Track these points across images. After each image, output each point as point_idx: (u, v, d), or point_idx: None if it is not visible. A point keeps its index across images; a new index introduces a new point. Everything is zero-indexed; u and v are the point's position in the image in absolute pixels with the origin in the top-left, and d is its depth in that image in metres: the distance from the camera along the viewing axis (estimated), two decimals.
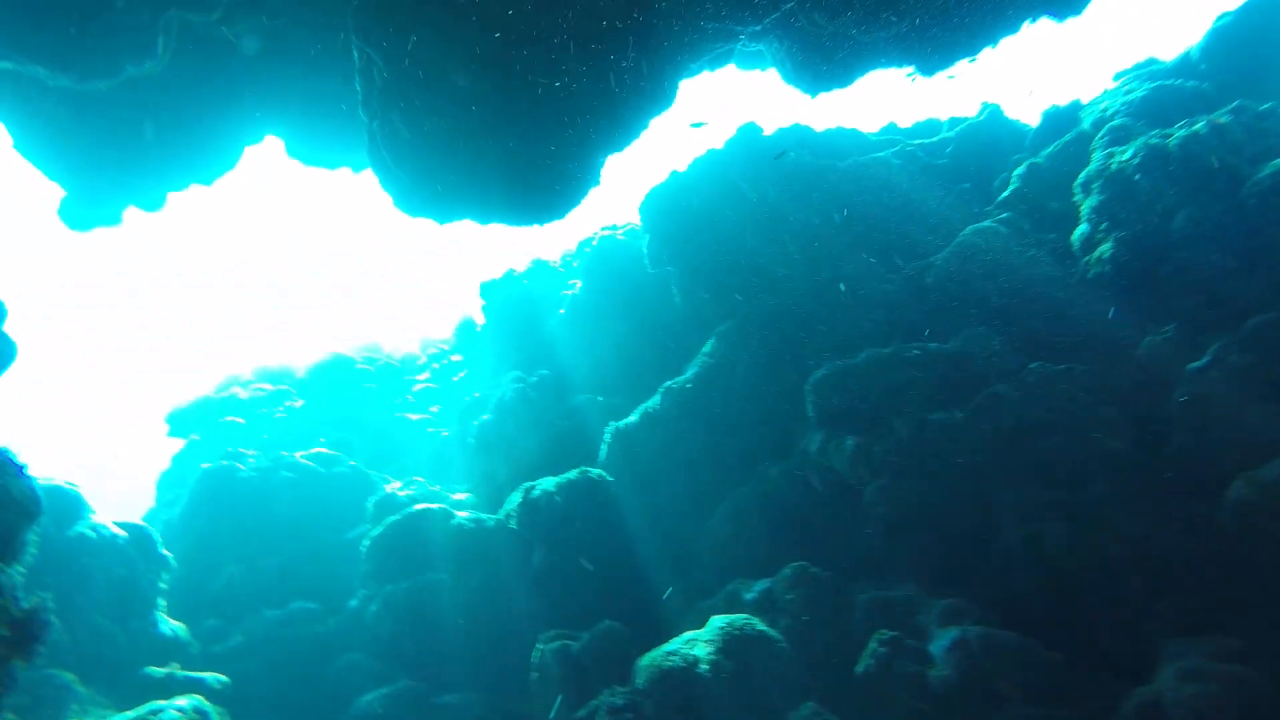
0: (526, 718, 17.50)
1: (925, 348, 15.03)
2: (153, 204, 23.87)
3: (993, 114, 20.06)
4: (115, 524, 18.29)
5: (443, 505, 20.53)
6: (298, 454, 25.40)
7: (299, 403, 33.29)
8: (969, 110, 21.98)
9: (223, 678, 17.55)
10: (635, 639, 15.80)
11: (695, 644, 13.56)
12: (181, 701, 15.39)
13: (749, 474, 17.30)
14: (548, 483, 18.37)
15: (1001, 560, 12.80)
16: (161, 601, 18.87)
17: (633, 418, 19.21)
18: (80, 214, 23.29)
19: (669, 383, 19.03)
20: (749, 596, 14.93)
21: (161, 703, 15.29)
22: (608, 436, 19.31)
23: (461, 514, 19.91)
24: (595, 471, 18.53)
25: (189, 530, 23.48)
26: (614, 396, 22.44)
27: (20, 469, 7.32)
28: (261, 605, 20.87)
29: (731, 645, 13.06)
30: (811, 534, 15.74)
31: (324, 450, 25.60)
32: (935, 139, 21.17)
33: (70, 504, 18.17)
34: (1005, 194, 17.07)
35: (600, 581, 17.71)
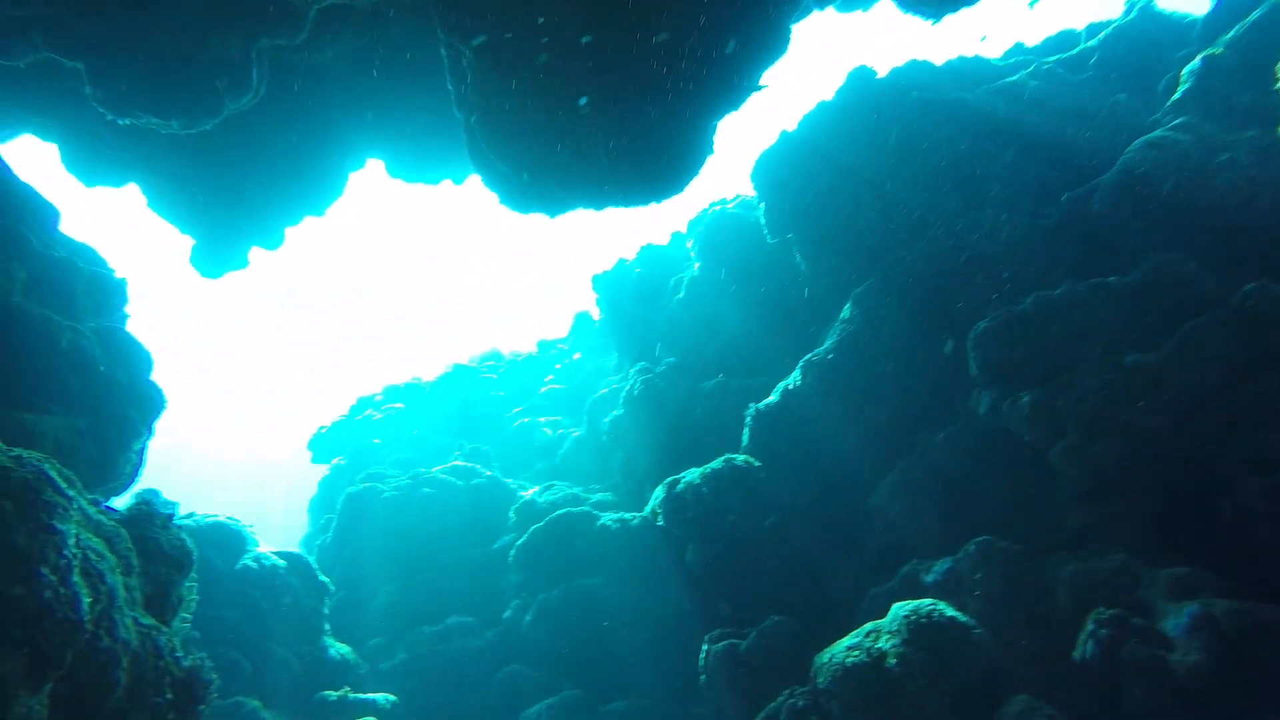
0: None
1: (1104, 283, 13.16)
2: (272, 242, 24.42)
3: (1144, 10, 17.63)
4: (275, 554, 18.63)
5: (585, 508, 19.97)
6: (436, 469, 25.52)
7: (429, 418, 33.73)
8: (1108, 13, 19.58)
9: (391, 697, 17.58)
10: (806, 634, 14.70)
11: (878, 636, 12.32)
12: None
13: (909, 445, 15.82)
14: (692, 474, 17.45)
15: (1236, 518, 10.94)
16: (326, 626, 19.13)
17: (773, 397, 18.01)
18: (210, 260, 24.09)
19: (808, 356, 17.71)
20: (930, 579, 13.54)
21: None
22: (748, 420, 18.19)
23: (606, 515, 19.28)
24: (740, 458, 17.49)
25: (341, 554, 23.94)
26: (748, 377, 21.30)
27: (169, 518, 6.92)
28: (419, 622, 20.94)
29: (920, 635, 11.74)
30: (989, 505, 14.15)
31: (460, 463, 25.63)
32: (1074, 51, 18.90)
33: (234, 539, 18.62)
34: (1177, 96, 14.83)
35: (761, 575, 16.68)
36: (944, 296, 15.96)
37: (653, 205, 12.95)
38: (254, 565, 17.55)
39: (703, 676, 15.45)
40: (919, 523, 14.93)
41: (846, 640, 12.72)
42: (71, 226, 15.09)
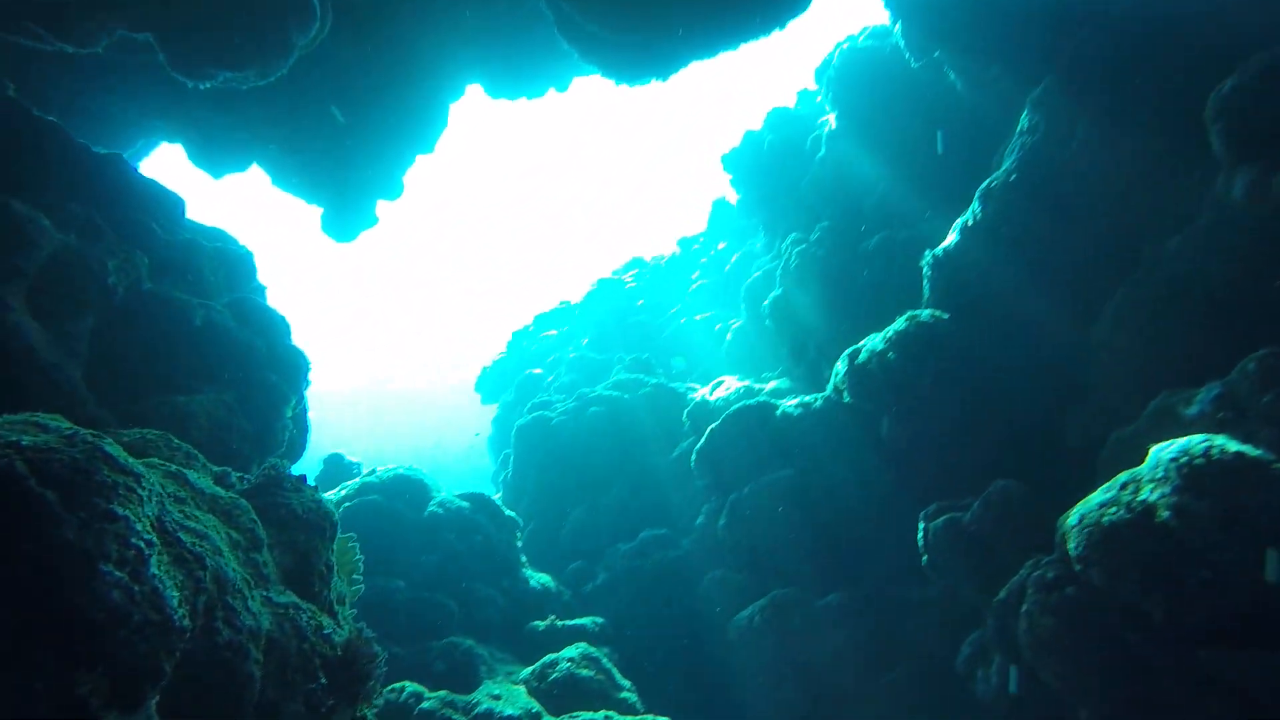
0: (924, 605, 15.29)
1: None
2: (393, 191, 24.19)
3: None
4: (458, 496, 18.61)
5: (761, 398, 18.58)
6: (600, 387, 24.90)
7: (584, 338, 33.23)
8: None
9: (598, 619, 17.31)
10: (1038, 496, 12.79)
11: (1138, 487, 10.26)
12: (570, 651, 15.17)
13: (1132, 260, 13.18)
14: (874, 341, 15.58)
15: None
16: (523, 558, 19.08)
17: (951, 239, 15.63)
18: (340, 224, 24.18)
19: (985, 183, 15.15)
20: (1192, 410, 11.15)
21: (553, 655, 15.18)
22: (926, 270, 15.93)
23: (785, 402, 17.81)
24: (925, 313, 15.38)
25: (524, 486, 23.96)
26: (914, 226, 18.86)
27: (301, 480, 6.08)
28: (613, 540, 20.58)
29: (1198, 479, 9.58)
30: (1257, 314, 11.46)
31: (623, 376, 24.85)
32: None
33: (417, 487, 18.71)
34: None
35: (969, 438, 14.78)
36: (1154, 67, 12.90)
37: (774, 33, 10.88)
38: (440, 510, 17.54)
39: (924, 557, 13.94)
40: (1160, 349, 12.44)
41: (1096, 497, 10.74)
42: (212, 217, 15.00)
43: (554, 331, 35.41)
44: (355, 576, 8.09)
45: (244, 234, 14.75)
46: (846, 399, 16.29)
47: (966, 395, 14.68)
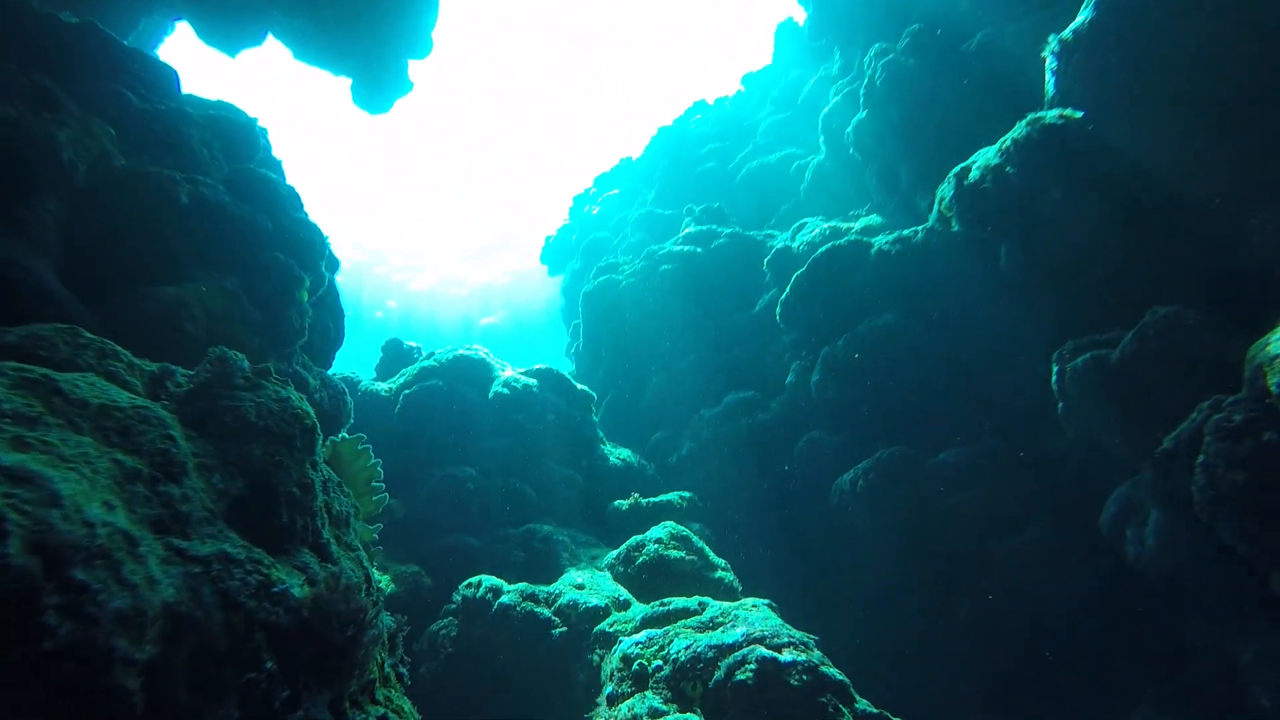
0: (1057, 459, 13.29)
1: None
2: (423, 48, 22.19)
3: None
4: (523, 373, 17.22)
5: (851, 237, 16.21)
6: (669, 242, 22.76)
7: (650, 194, 30.77)
8: None
9: (684, 493, 15.97)
10: (1211, 325, 10.39)
11: None
12: (657, 531, 13.90)
13: None
14: (985, 155, 12.94)
15: None
16: (600, 434, 17.75)
17: (1084, 14, 12.50)
18: (372, 93, 22.40)
19: None
20: None
21: (639, 536, 13.94)
22: (1051, 56, 12.93)
23: (879, 239, 15.44)
24: (1051, 114, 12.56)
25: (598, 355, 22.47)
26: (1020, 19, 15.61)
27: (263, 374, 4.54)
28: (697, 406, 19.01)
29: None
30: None
31: (693, 229, 22.57)
32: None
33: (480, 368, 17.39)
34: None
35: (1111, 258, 12.25)
36: None
37: None
38: (506, 390, 16.17)
39: (1059, 404, 11.83)
40: None
41: None
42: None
43: (616, 190, 33.01)
44: (375, 484, 6.63)
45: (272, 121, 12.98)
46: (956, 227, 13.83)
47: (1107, 207, 12.03)
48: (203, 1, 18.49)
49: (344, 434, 11.31)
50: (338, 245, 12.59)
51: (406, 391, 16.18)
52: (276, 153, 13.66)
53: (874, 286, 15.44)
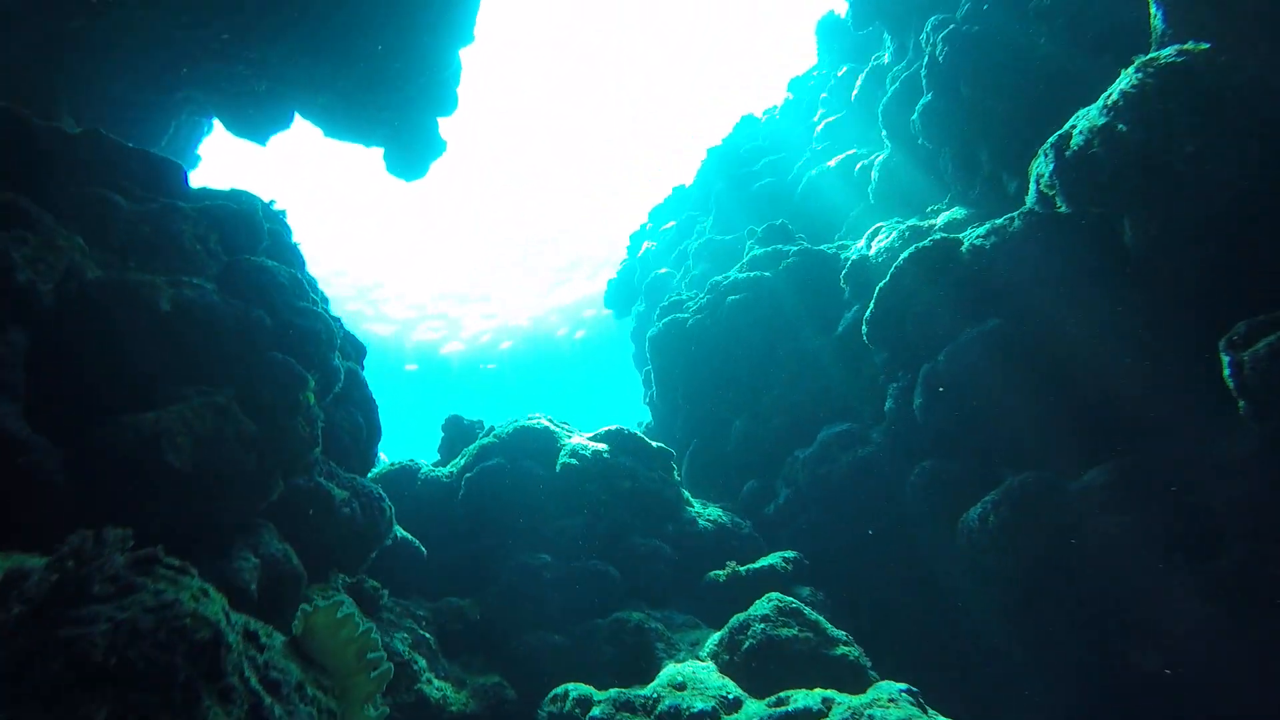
0: (1237, 466, 10.85)
1: None
2: (449, 105, 21.47)
3: None
4: (590, 438, 15.66)
5: (935, 236, 14.17)
6: (733, 270, 21.02)
7: (707, 221, 29.13)
8: None
9: (787, 554, 14.02)
10: None
11: None
12: (762, 607, 12.01)
13: None
14: (1088, 117, 10.83)
15: None
16: (684, 493, 16.00)
17: None
18: (406, 159, 21.79)
19: None
20: None
21: (741, 616, 12.09)
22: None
23: (969, 235, 13.40)
24: (1165, 53, 10.38)
25: (672, 402, 20.78)
26: None
27: (152, 557, 2.91)
28: (789, 448, 17.07)
29: None
30: None
31: (759, 251, 20.75)
32: None
33: (544, 438, 15.90)
34: None
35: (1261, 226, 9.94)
36: None
37: None
38: (574, 461, 14.63)
39: (1241, 402, 9.52)
40: None
41: None
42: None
43: (672, 224, 31.48)
44: (370, 656, 5.07)
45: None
46: (1062, 207, 11.69)
47: (1268, 152, 9.75)
48: (223, 93, 18.11)
49: (375, 552, 9.81)
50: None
51: (468, 475, 14.84)
52: (309, 230, 12.64)
53: (971, 288, 13.34)
